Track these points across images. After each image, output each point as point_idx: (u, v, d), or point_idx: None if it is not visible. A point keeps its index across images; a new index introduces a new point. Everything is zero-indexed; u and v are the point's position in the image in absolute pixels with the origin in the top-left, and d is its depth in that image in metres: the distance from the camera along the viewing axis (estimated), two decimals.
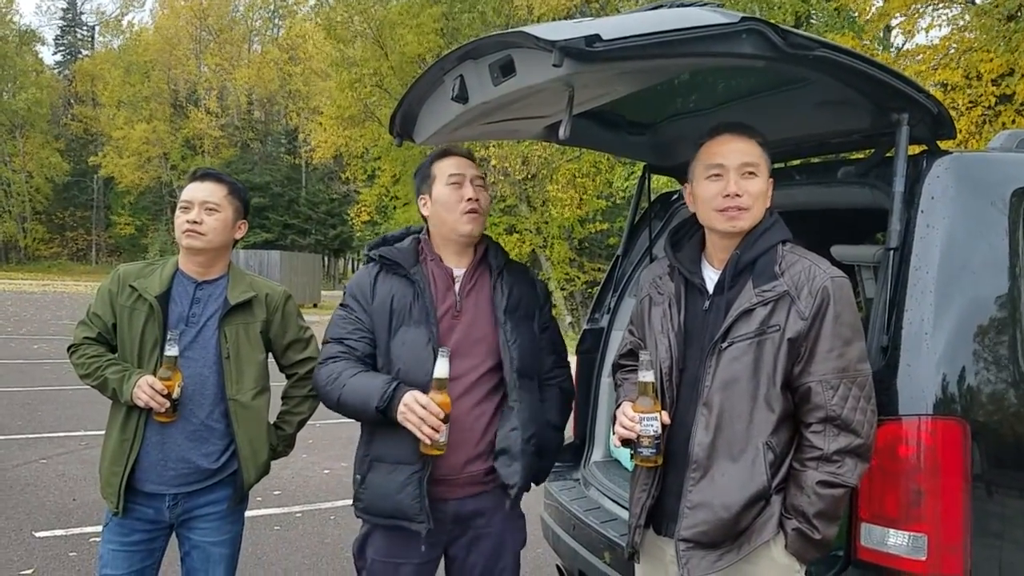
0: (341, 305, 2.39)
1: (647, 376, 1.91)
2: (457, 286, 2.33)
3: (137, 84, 51.25)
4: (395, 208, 22.93)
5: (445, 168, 2.34)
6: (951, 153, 2.19)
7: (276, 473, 6.43)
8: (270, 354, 2.65)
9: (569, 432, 3.46)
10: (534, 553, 4.49)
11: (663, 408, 1.94)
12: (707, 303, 1.98)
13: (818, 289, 1.84)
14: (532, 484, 2.39)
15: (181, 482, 2.47)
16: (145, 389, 2.34)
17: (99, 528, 2.62)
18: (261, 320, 2.58)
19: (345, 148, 25.18)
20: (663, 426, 1.90)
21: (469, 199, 2.30)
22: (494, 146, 16.51)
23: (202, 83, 50.70)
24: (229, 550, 2.58)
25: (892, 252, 2.06)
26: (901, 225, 2.07)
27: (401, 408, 2.10)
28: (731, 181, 1.92)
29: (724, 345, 1.88)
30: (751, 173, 1.93)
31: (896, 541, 1.94)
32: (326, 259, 47.61)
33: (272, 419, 2.66)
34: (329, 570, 4.44)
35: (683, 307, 2.01)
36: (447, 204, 2.31)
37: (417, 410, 2.06)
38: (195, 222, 2.46)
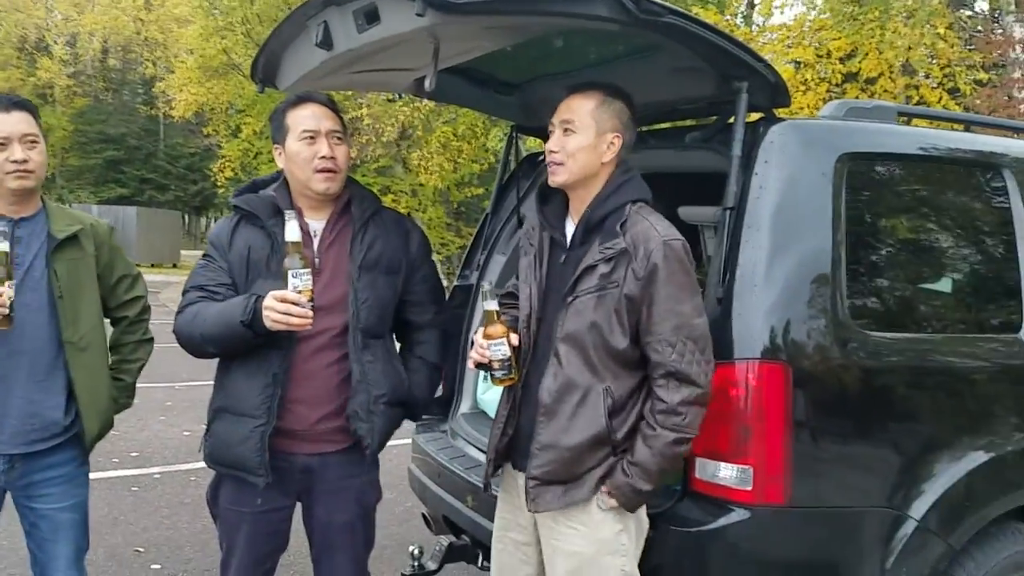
0: (203, 255, 2.32)
1: (491, 305, 2.04)
2: (316, 242, 2.26)
3: None
4: (258, 166, 21.87)
5: (299, 120, 2.23)
6: (785, 120, 2.37)
7: (133, 435, 6.25)
8: None
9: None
10: (403, 507, 4.57)
11: (520, 352, 2.07)
12: (563, 257, 2.10)
13: (651, 251, 1.95)
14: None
15: (22, 440, 2.26)
16: None
17: None
18: (91, 254, 2.39)
19: (208, 104, 23.69)
20: (513, 348, 2.03)
21: (323, 157, 2.19)
22: (366, 106, 16.04)
23: (51, 29, 46.34)
24: (79, 515, 2.42)
25: (728, 212, 2.21)
26: (738, 187, 2.21)
27: (264, 313, 2.04)
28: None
29: (570, 299, 2.01)
30: (569, 130, 2.06)
31: (726, 473, 2.12)
32: (187, 216, 45.06)
33: None
34: (188, 530, 4.34)
35: (544, 260, 2.12)
36: (300, 161, 2.21)
37: (278, 306, 2.02)
38: (23, 160, 2.20)
